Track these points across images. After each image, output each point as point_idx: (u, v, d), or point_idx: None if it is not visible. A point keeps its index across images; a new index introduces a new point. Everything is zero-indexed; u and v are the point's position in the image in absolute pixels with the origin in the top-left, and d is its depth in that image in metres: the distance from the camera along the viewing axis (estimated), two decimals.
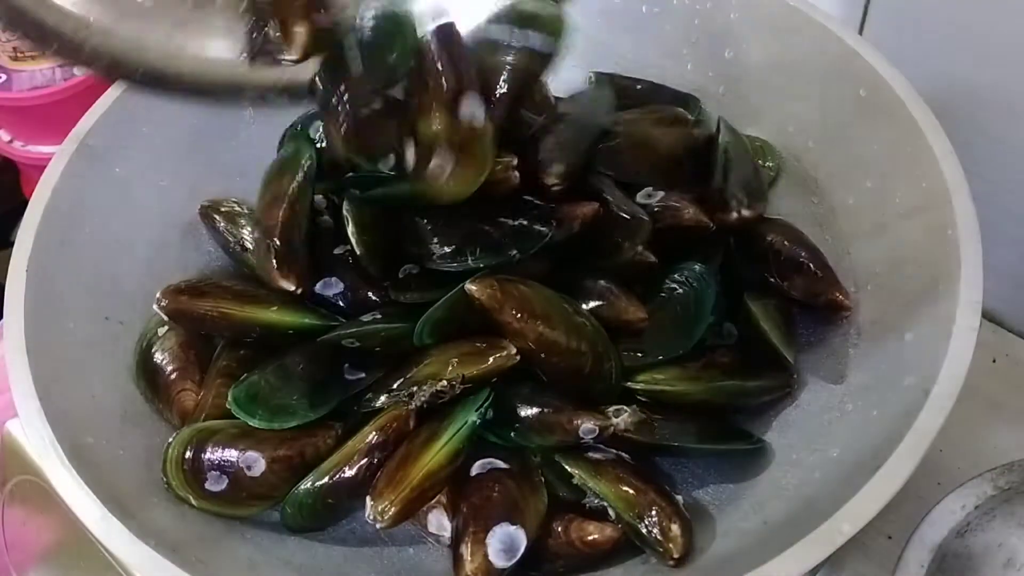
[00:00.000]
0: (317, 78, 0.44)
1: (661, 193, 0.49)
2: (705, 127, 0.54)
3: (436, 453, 0.40)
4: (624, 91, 0.55)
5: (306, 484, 0.42)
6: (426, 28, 0.44)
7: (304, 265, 0.47)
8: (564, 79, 0.57)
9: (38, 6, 0.37)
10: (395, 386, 0.44)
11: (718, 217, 0.48)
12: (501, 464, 0.42)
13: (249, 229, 0.51)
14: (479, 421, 0.41)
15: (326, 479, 0.41)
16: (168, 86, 0.40)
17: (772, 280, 0.47)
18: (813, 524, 0.34)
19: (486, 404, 0.42)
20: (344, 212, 0.48)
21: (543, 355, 0.43)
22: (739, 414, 0.45)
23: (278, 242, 0.46)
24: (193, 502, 0.41)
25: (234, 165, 0.55)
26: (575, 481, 0.42)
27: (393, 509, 0.39)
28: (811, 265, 0.47)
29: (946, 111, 0.45)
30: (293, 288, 0.45)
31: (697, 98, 0.57)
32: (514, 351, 0.43)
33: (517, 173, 0.46)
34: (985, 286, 0.39)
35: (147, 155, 0.53)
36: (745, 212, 0.48)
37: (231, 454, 0.42)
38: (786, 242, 0.48)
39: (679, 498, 0.41)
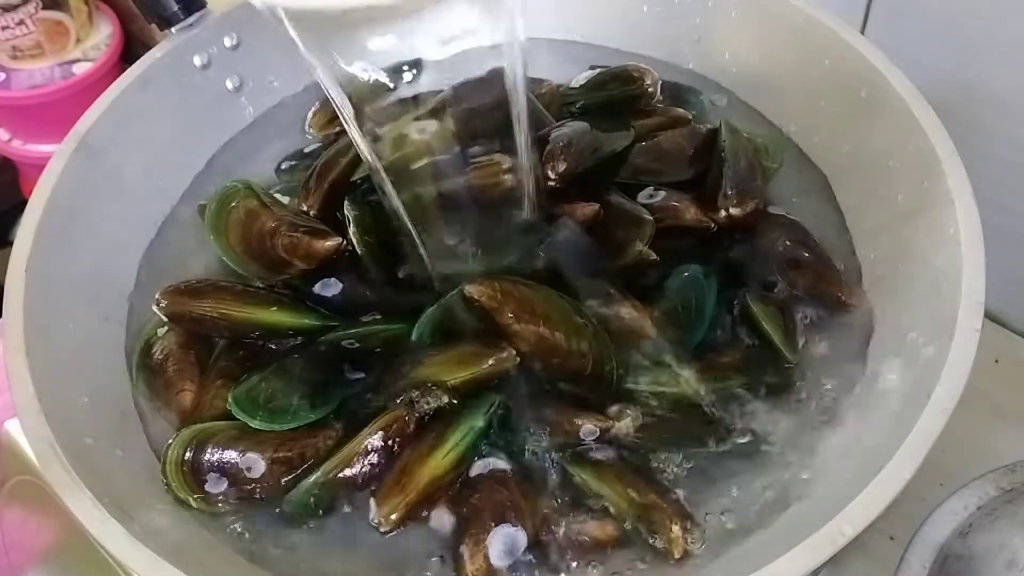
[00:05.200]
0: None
1: (662, 193, 0.49)
2: (705, 120, 0.54)
3: (442, 459, 0.40)
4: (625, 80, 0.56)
5: (306, 485, 0.41)
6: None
7: (324, 195, 0.49)
8: (566, 74, 0.58)
9: None
10: (395, 388, 0.43)
11: (708, 215, 0.48)
12: (502, 464, 0.42)
13: None
14: (485, 427, 0.41)
15: (326, 480, 0.41)
16: None
17: (774, 279, 0.47)
18: (815, 525, 0.34)
19: (493, 410, 0.42)
20: (345, 213, 0.47)
21: (543, 356, 0.43)
22: (740, 414, 0.45)
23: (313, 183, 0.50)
24: (192, 503, 0.41)
25: (233, 165, 0.55)
26: (576, 481, 0.42)
27: (396, 514, 0.39)
28: (814, 264, 0.47)
29: (948, 110, 0.45)
30: (306, 208, 0.48)
31: (698, 91, 0.57)
32: (513, 352, 0.43)
33: (509, 176, 0.46)
34: (988, 286, 0.39)
35: (146, 154, 0.52)
36: (734, 211, 0.48)
37: (231, 455, 0.42)
38: (789, 240, 0.48)
39: (680, 498, 0.41)
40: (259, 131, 0.57)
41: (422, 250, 0.46)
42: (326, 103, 0.58)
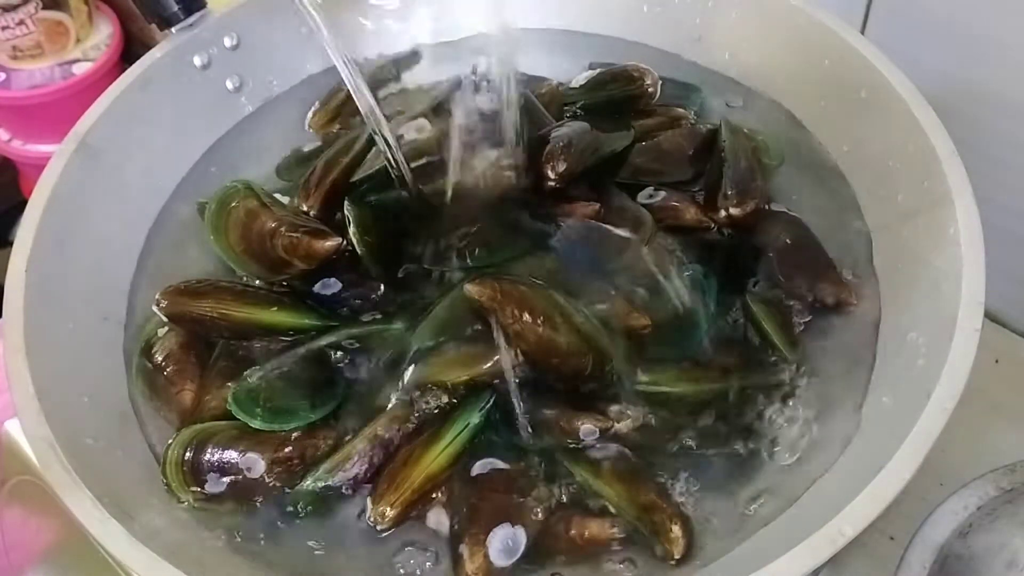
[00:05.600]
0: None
1: (662, 193, 0.49)
2: (705, 120, 0.54)
3: (437, 456, 0.40)
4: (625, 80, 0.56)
5: (306, 485, 0.41)
6: None
7: (324, 196, 0.49)
8: (564, 70, 0.58)
9: None
10: (395, 388, 0.43)
11: (708, 215, 0.48)
12: (501, 464, 0.42)
13: None
14: (481, 423, 0.41)
15: (326, 480, 0.41)
16: None
17: (774, 277, 0.47)
18: (815, 525, 0.34)
19: (487, 406, 0.42)
20: (345, 212, 0.48)
21: (543, 356, 0.43)
22: (740, 414, 0.45)
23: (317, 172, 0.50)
24: (193, 503, 0.41)
25: (233, 164, 0.55)
26: (576, 481, 0.42)
27: (393, 512, 0.39)
28: (814, 262, 0.47)
29: (948, 110, 0.45)
30: (306, 208, 0.48)
31: (699, 87, 0.57)
32: (514, 352, 0.43)
33: (512, 172, 0.46)
34: (988, 286, 0.39)
35: (146, 154, 0.53)
36: (734, 211, 0.48)
37: (231, 455, 0.42)
38: (789, 239, 0.48)
39: (680, 498, 0.41)
40: (259, 131, 0.57)
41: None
42: (326, 102, 0.58)
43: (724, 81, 0.56)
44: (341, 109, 0.57)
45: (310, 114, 0.58)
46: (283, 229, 0.47)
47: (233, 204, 0.49)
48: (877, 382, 0.42)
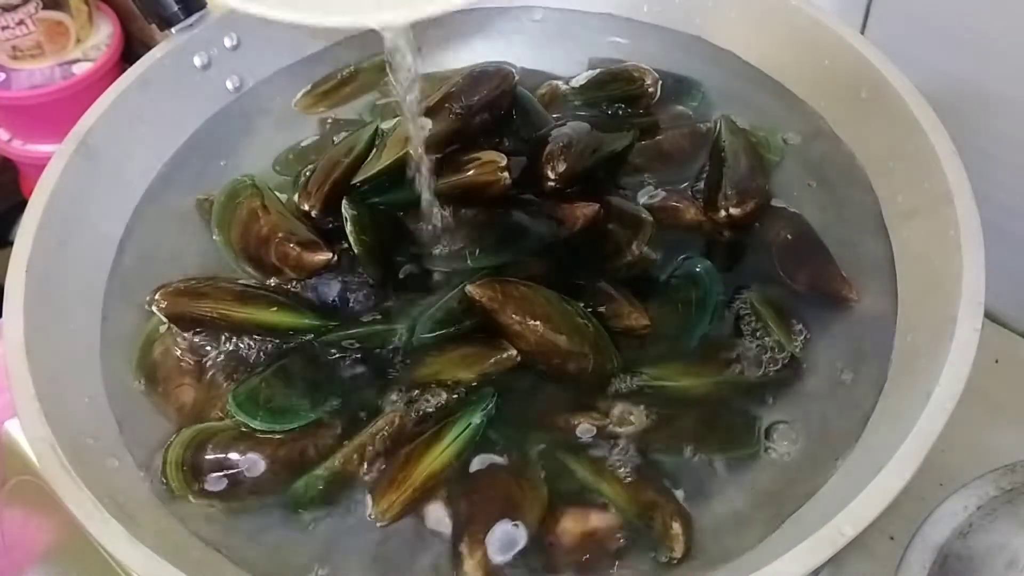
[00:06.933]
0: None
1: (662, 193, 0.50)
2: (705, 115, 0.54)
3: (439, 455, 0.40)
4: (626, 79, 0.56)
5: (305, 481, 0.41)
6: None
7: (325, 196, 0.49)
8: (565, 69, 0.58)
9: None
10: (395, 387, 0.43)
11: (708, 215, 0.48)
12: (501, 460, 0.42)
13: None
14: (482, 423, 0.41)
15: (326, 477, 0.41)
16: None
17: (775, 273, 0.47)
18: (815, 525, 0.34)
19: (490, 406, 0.42)
20: (343, 212, 0.48)
21: (544, 356, 0.43)
22: (741, 410, 0.45)
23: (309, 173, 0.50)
24: (192, 503, 0.41)
25: (234, 165, 0.55)
26: (576, 478, 0.42)
27: (394, 509, 0.39)
28: (815, 258, 0.47)
29: (949, 110, 0.45)
30: (307, 208, 0.48)
31: (699, 82, 0.57)
32: (514, 352, 0.43)
33: (507, 174, 0.46)
34: (988, 286, 0.39)
35: (146, 154, 0.53)
36: (734, 211, 0.48)
37: (231, 455, 0.42)
38: (790, 235, 0.48)
39: (680, 496, 0.41)
40: (258, 129, 0.57)
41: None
42: (317, 85, 0.58)
43: (723, 80, 0.56)
44: (327, 94, 0.58)
45: (299, 95, 0.58)
46: (279, 236, 0.48)
47: (239, 200, 0.49)
48: (877, 382, 0.42)
